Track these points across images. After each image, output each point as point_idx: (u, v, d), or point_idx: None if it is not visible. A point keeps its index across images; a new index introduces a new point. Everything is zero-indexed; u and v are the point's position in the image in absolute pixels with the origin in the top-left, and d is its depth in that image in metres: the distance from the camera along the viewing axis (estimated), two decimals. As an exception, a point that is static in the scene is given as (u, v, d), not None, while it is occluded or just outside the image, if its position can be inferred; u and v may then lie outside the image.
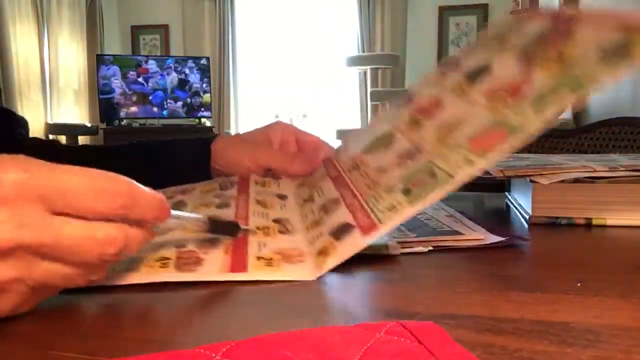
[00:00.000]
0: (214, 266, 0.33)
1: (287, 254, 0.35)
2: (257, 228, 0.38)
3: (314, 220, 0.39)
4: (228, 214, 0.41)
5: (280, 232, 0.38)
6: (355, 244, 0.32)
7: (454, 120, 0.37)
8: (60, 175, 0.26)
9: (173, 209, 0.38)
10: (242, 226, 0.38)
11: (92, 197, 0.26)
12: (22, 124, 0.66)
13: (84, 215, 0.26)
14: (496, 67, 0.38)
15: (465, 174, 0.31)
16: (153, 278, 0.32)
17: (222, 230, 0.37)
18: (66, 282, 0.27)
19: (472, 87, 0.38)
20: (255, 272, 0.32)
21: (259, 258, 0.34)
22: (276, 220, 0.40)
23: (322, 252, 0.34)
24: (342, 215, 0.36)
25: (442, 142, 0.35)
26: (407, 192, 0.33)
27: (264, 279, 0.32)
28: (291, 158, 0.53)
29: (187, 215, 0.35)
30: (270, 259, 0.34)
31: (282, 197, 0.46)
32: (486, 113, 0.34)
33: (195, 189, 0.50)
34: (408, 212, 0.31)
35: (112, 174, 0.27)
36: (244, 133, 0.60)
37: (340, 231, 0.35)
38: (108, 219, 0.27)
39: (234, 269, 0.33)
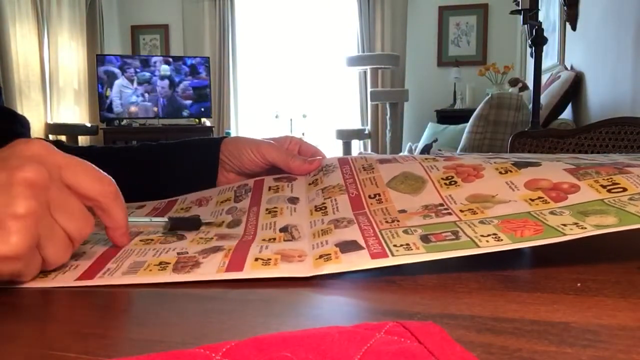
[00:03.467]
0: (211, 268, 0.33)
1: (287, 254, 0.35)
2: (263, 240, 0.39)
3: (322, 229, 0.39)
4: (238, 233, 0.41)
5: (287, 240, 0.38)
6: (359, 261, 0.32)
7: (489, 194, 0.39)
8: (61, 155, 0.33)
9: (134, 216, 0.47)
10: (203, 219, 0.43)
11: (87, 179, 0.34)
12: (24, 123, 0.66)
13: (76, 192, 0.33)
14: (545, 165, 0.41)
15: (491, 246, 0.32)
16: (149, 279, 0.32)
17: (183, 226, 0.43)
18: (58, 246, 0.32)
19: (517, 172, 0.41)
20: (250, 271, 0.32)
21: (257, 259, 0.34)
22: (283, 229, 0.40)
23: (323, 256, 0.34)
24: (352, 234, 0.37)
25: (472, 211, 0.37)
26: (426, 239, 0.34)
27: (259, 277, 0.32)
28: (292, 155, 0.55)
29: (146, 221, 0.44)
30: (269, 259, 0.34)
31: (294, 200, 0.47)
32: (522, 202, 0.37)
33: (212, 198, 0.51)
34: (422, 257, 0.32)
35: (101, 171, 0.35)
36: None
37: (347, 246, 0.35)
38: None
39: (230, 269, 0.33)
